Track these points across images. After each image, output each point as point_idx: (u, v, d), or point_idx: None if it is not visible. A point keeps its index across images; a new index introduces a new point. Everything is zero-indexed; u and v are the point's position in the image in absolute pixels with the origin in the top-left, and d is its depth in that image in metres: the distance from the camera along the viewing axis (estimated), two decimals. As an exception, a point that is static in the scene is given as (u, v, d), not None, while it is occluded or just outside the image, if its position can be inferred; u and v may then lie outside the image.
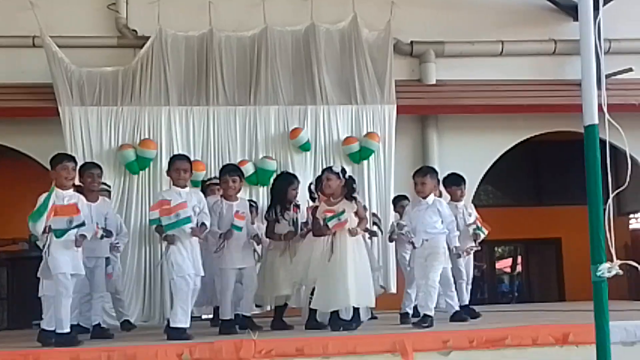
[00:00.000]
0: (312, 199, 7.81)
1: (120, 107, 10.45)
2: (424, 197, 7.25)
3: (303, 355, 5.72)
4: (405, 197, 8.96)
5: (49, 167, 10.42)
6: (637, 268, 3.59)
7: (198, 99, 10.64)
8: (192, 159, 10.21)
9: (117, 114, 10.44)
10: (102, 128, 10.38)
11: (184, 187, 6.80)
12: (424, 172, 7.47)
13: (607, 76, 10.98)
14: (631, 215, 14.90)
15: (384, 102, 10.91)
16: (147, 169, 10.34)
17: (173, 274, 6.59)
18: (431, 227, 7.19)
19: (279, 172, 9.91)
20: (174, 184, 6.82)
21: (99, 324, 7.31)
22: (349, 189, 7.07)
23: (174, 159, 7.06)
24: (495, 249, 16.55)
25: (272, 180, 8.70)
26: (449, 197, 8.20)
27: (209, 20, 10.78)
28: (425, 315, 6.92)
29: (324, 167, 10.58)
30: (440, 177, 8.05)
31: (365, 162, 10.75)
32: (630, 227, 14.96)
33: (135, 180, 10.31)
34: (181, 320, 6.51)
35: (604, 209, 3.49)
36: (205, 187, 8.63)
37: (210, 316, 9.05)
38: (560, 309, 9.30)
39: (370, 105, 10.91)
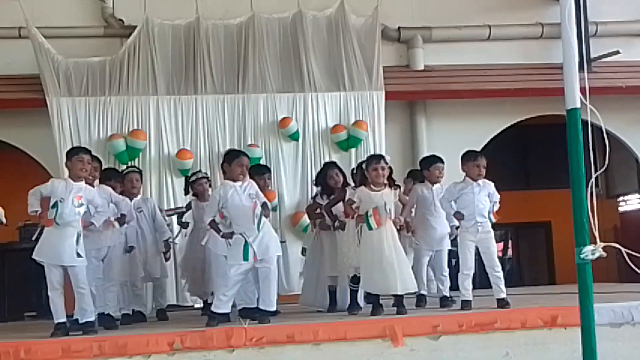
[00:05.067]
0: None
1: (108, 97, 10.42)
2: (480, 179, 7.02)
3: (294, 342, 5.75)
4: None
5: (36, 158, 10.58)
6: (621, 250, 3.62)
7: (186, 87, 10.61)
8: (181, 147, 10.38)
9: (105, 104, 10.41)
10: (90, 118, 10.35)
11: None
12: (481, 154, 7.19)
13: (594, 59, 11.15)
14: (620, 198, 14.96)
15: (372, 88, 10.90)
16: (136, 159, 10.33)
17: None
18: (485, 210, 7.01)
19: (262, 160, 10.02)
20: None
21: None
22: (389, 177, 6.93)
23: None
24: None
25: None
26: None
27: (196, 9, 10.71)
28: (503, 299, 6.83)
29: (312, 154, 10.68)
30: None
31: (353, 150, 10.76)
32: (620, 209, 15.02)
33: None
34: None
35: (587, 192, 3.50)
36: (192, 183, 8.58)
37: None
38: (551, 292, 9.36)
39: (359, 92, 10.90)
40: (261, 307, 6.66)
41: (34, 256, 6.37)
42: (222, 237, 6.75)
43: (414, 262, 7.76)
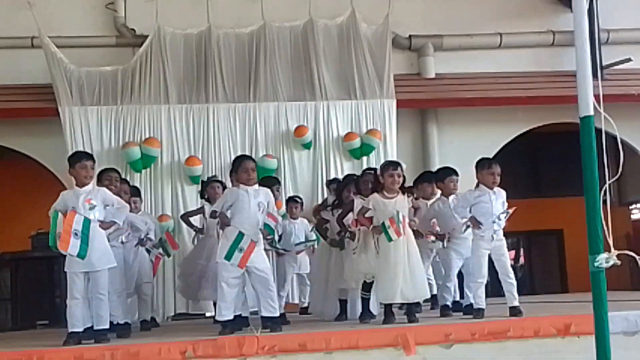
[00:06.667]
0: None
1: (120, 106, 10.50)
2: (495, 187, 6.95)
3: (306, 351, 5.72)
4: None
5: (49, 167, 10.63)
6: (635, 258, 3.60)
7: (198, 96, 10.67)
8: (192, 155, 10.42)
9: (117, 113, 10.48)
10: (102, 127, 10.43)
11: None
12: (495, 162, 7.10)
13: (606, 67, 11.12)
14: (633, 206, 14.87)
15: (384, 96, 10.93)
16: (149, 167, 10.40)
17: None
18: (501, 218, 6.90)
19: (276, 170, 10.03)
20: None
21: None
22: (403, 184, 6.88)
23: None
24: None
25: None
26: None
27: (207, 18, 10.78)
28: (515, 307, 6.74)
29: (323, 162, 10.68)
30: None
31: (365, 157, 10.76)
32: (632, 217, 14.93)
33: (137, 178, 10.32)
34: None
35: (601, 199, 3.49)
36: (206, 186, 8.61)
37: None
38: (563, 300, 9.31)
39: (370, 100, 10.92)
40: (264, 314, 6.61)
41: (66, 269, 6.32)
42: (221, 225, 6.68)
43: (445, 274, 7.72)
